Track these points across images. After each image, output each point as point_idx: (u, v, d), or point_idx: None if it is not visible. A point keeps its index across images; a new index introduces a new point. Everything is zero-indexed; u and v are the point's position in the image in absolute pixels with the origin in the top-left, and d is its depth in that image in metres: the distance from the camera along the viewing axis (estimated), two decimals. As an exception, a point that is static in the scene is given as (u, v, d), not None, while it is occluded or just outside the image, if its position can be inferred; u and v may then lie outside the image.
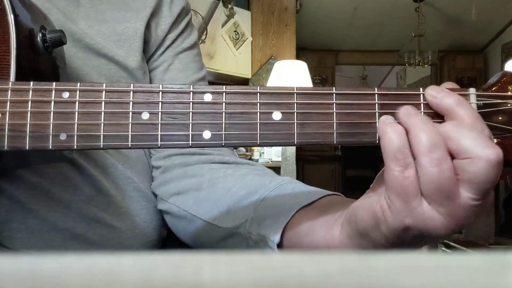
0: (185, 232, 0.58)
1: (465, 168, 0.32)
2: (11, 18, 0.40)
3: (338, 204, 0.42)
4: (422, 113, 0.36)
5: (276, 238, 0.44)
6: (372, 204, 0.36)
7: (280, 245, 0.44)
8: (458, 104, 0.35)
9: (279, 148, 2.92)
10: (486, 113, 0.36)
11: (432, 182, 0.33)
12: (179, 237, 0.60)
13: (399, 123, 0.35)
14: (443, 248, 2.28)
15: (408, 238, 0.35)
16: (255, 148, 3.41)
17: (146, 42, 0.62)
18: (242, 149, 3.42)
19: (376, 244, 0.36)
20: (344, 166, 5.72)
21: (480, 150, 0.32)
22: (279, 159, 2.75)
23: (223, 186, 0.55)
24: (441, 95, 0.36)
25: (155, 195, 0.62)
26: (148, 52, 0.64)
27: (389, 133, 0.34)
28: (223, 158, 0.61)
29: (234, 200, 0.52)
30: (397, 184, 0.33)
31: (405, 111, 0.36)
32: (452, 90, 0.37)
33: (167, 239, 0.63)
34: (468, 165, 0.32)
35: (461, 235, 2.65)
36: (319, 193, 0.47)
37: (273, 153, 3.37)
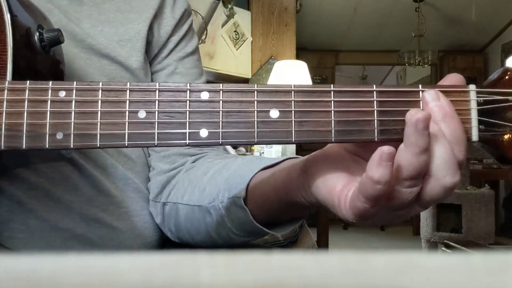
0: (175, 225, 0.58)
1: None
2: (7, 17, 0.40)
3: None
4: (422, 110, 0.36)
5: (242, 193, 0.46)
6: (333, 187, 0.37)
7: (246, 203, 0.47)
8: (444, 117, 0.35)
9: (279, 148, 2.92)
10: (487, 109, 0.36)
11: (399, 199, 0.34)
12: (169, 236, 0.60)
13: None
14: (443, 248, 2.27)
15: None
16: (255, 148, 3.41)
17: (148, 42, 0.63)
18: (242, 149, 3.41)
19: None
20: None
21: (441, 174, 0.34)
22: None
23: (204, 171, 0.57)
24: (433, 104, 0.35)
25: None
26: (150, 53, 0.64)
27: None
28: (219, 153, 0.63)
29: (209, 179, 0.55)
30: (376, 195, 0.33)
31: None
32: (453, 86, 0.37)
33: (167, 240, 0.62)
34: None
35: (461, 235, 2.65)
36: (285, 158, 0.49)
37: (273, 153, 3.37)
